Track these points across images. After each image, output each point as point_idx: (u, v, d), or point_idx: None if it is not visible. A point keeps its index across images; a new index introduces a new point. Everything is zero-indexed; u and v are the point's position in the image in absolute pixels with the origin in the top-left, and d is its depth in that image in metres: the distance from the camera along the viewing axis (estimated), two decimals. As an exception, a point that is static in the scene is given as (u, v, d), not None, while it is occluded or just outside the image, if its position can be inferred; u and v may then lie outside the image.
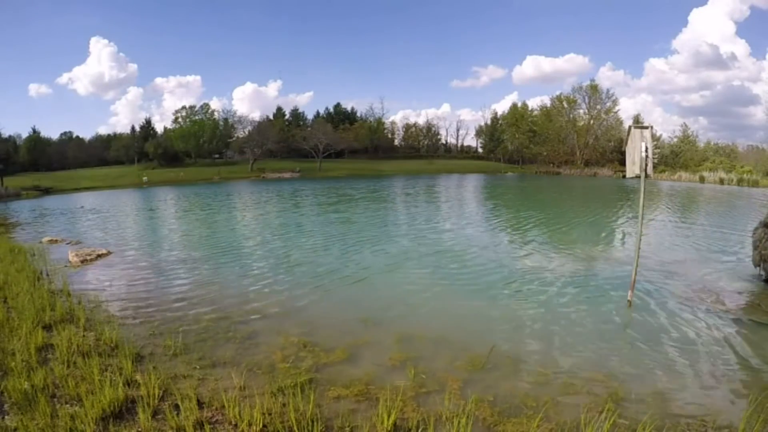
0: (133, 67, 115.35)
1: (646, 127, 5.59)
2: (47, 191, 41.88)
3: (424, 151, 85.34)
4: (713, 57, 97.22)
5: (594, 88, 69.70)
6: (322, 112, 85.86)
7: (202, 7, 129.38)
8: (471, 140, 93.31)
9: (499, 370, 4.09)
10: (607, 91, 70.26)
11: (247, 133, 71.98)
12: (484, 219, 15.91)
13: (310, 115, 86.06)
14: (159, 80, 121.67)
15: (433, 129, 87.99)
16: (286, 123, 78.98)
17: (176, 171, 61.48)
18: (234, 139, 74.55)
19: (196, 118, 72.68)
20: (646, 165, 5.45)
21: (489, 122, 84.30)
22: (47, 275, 7.56)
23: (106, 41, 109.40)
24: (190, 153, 73.82)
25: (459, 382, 3.84)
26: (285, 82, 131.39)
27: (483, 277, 7.37)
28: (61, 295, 6.19)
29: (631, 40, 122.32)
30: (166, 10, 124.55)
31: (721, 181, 37.34)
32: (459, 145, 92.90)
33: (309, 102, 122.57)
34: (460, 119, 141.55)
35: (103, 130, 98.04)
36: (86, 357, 3.91)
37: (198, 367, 4.09)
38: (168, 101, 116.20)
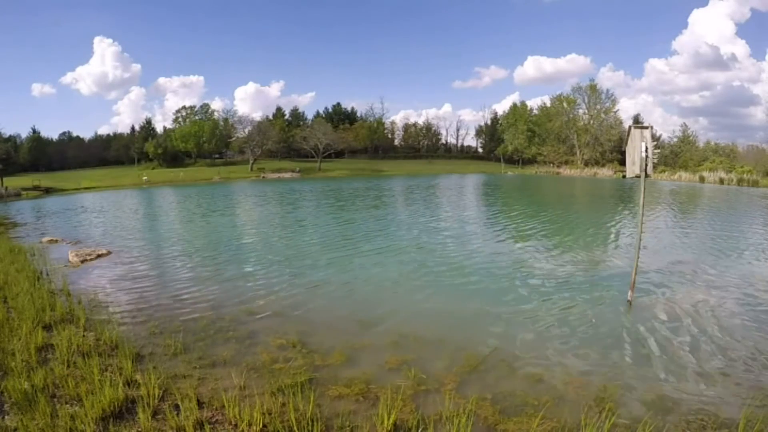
0: (136, 67, 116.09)
1: (646, 127, 5.59)
2: (47, 191, 41.89)
3: (424, 151, 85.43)
4: (713, 58, 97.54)
5: (593, 88, 69.83)
6: (322, 112, 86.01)
7: (205, 8, 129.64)
8: (471, 140, 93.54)
9: (499, 370, 4.09)
10: (607, 91, 70.59)
11: (247, 133, 72.03)
12: (484, 220, 15.91)
13: (311, 115, 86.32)
14: (162, 80, 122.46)
15: (433, 129, 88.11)
16: (286, 123, 79.06)
17: (176, 171, 61.53)
18: (234, 139, 74.61)
19: (196, 118, 72.78)
20: (646, 165, 5.45)
21: (489, 122, 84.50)
22: (47, 275, 7.56)
23: (110, 41, 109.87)
24: (190, 153, 73.88)
25: (459, 382, 3.84)
26: (287, 83, 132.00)
27: (483, 277, 7.36)
28: (61, 295, 6.19)
29: (632, 41, 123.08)
30: (169, 10, 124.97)
31: (721, 181, 37.34)
32: (459, 145, 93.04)
33: (311, 102, 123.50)
34: (460, 119, 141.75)
35: (106, 130, 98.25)
36: (86, 357, 3.91)
37: (198, 366, 4.09)
38: (171, 101, 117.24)
